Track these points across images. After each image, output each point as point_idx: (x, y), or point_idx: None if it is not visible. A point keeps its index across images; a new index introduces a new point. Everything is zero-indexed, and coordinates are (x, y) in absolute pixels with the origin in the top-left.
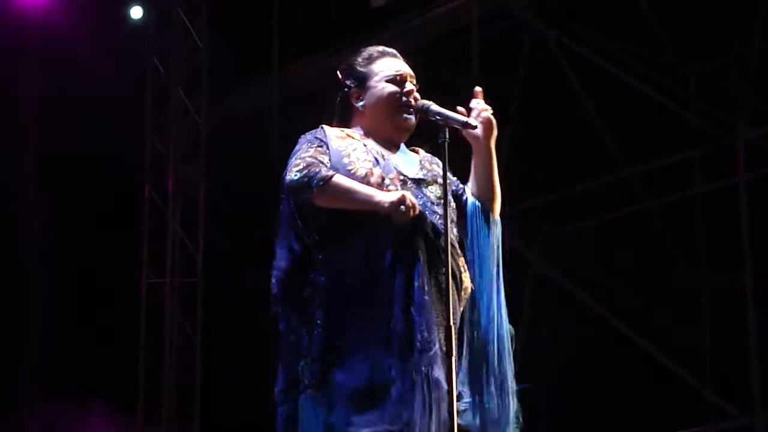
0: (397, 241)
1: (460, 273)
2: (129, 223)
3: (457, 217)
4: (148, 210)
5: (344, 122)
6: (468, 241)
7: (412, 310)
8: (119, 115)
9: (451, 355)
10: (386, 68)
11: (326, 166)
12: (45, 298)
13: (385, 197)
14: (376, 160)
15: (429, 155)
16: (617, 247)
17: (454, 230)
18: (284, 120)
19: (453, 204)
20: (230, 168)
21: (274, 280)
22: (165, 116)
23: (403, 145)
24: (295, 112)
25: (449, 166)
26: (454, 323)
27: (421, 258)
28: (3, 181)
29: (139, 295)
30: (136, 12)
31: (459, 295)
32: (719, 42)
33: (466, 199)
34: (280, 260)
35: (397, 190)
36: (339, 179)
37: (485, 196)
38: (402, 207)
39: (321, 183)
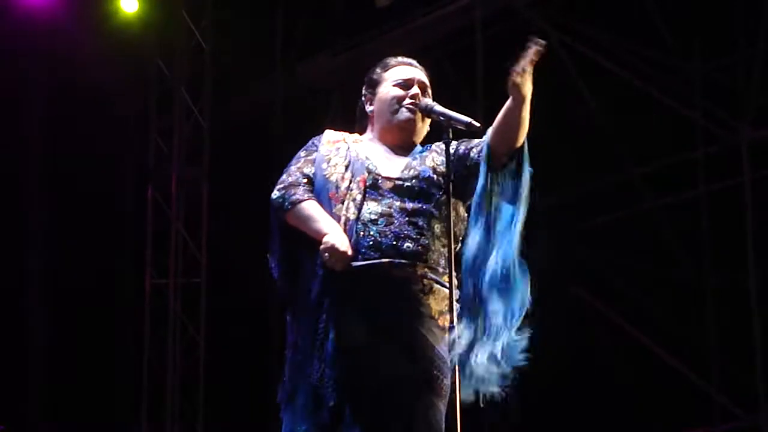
0: (324, 283)
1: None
2: (133, 224)
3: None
4: (152, 211)
5: (363, 128)
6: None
7: (324, 365)
8: (123, 115)
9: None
10: (397, 75)
11: (305, 183)
12: (47, 299)
13: (327, 237)
14: (351, 163)
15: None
16: (621, 247)
17: (460, 227)
18: (288, 121)
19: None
20: (234, 169)
21: (278, 284)
22: (169, 117)
23: (419, 148)
24: (299, 113)
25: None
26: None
27: (346, 306)
28: (5, 181)
29: (143, 295)
30: (130, 4)
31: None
32: (724, 42)
33: (480, 151)
34: (275, 268)
35: (360, 194)
36: (306, 206)
37: (510, 137)
38: (326, 254)
39: (290, 207)
